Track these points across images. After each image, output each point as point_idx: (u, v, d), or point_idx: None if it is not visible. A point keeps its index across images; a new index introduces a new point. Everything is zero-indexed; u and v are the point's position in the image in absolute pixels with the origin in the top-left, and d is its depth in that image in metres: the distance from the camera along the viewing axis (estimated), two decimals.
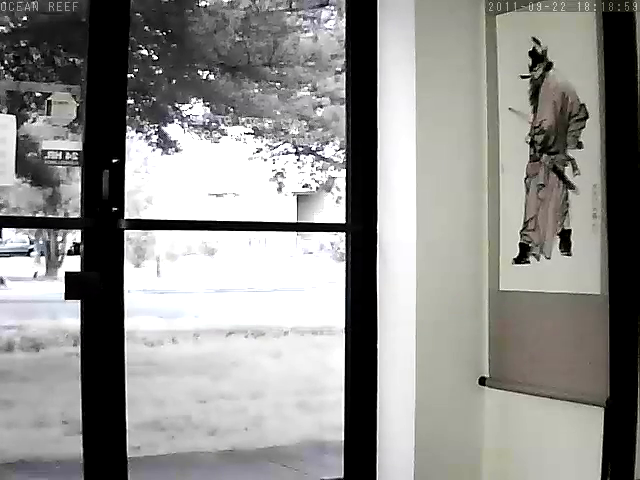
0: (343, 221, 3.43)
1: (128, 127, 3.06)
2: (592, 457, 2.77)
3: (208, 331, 8.70)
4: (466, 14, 3.28)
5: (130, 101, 7.18)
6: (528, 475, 3.10)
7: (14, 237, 9.98)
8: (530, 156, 3.10)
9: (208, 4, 7.46)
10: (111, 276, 2.90)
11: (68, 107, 3.08)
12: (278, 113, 8.14)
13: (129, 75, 3.00)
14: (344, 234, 3.43)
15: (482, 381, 3.25)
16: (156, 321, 8.61)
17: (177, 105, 7.88)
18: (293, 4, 7.60)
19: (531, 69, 3.09)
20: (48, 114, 3.08)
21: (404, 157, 3.25)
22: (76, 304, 2.90)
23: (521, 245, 3.13)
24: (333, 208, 8.74)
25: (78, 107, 3.06)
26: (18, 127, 2.96)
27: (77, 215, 3.19)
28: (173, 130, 7.87)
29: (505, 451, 3.19)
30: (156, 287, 9.52)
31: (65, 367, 6.85)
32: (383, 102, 3.35)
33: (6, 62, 6.62)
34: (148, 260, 9.74)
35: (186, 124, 7.93)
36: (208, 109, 8.05)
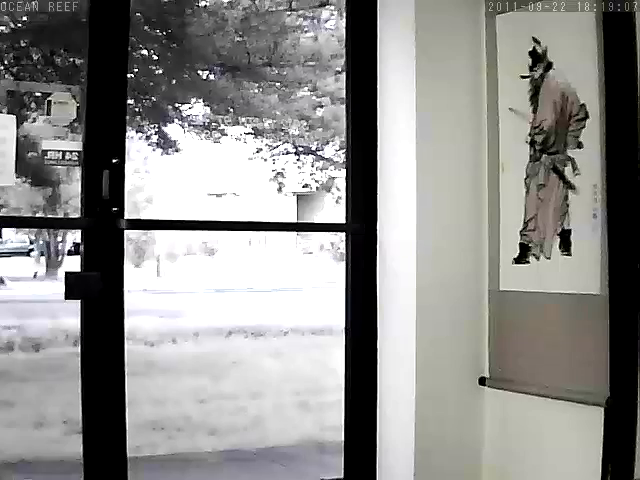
0: (343, 221, 3.43)
1: (128, 127, 3.06)
2: (592, 457, 2.77)
3: (208, 331, 8.70)
4: (466, 14, 3.28)
5: (130, 101, 7.17)
6: (528, 475, 3.10)
7: (14, 237, 9.99)
8: (530, 156, 3.10)
9: (208, 4, 7.46)
10: (111, 276, 2.90)
11: (68, 107, 3.07)
12: (278, 113, 8.14)
13: (129, 75, 3.00)
14: (344, 234, 3.43)
15: (482, 381, 3.25)
16: (156, 321, 8.61)
17: (177, 105, 7.89)
18: (293, 4, 7.60)
19: (531, 69, 3.09)
20: (48, 114, 3.08)
21: (404, 157, 3.25)
22: (76, 304, 2.90)
23: (521, 245, 3.13)
24: (333, 208, 8.74)
25: (78, 107, 3.06)
26: (18, 127, 2.96)
27: (77, 215, 3.19)
28: (173, 130, 7.88)
29: (505, 451, 3.19)
30: (156, 287, 9.52)
31: (65, 367, 6.84)
32: (383, 102, 3.34)
33: (6, 62, 6.62)
34: (148, 260, 9.75)
35: (186, 124, 7.94)
36: (208, 109, 8.06)
